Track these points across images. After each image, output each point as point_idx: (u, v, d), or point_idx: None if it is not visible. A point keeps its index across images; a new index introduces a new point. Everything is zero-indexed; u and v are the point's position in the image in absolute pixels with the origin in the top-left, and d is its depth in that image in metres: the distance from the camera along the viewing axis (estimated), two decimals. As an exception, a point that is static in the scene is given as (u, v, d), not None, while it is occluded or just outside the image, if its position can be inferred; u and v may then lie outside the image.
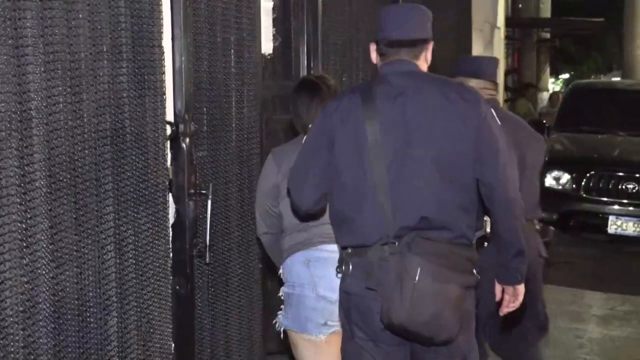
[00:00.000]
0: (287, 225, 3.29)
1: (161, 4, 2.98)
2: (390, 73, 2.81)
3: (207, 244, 3.34)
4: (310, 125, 3.03)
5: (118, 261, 2.74)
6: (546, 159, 8.75)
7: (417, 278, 2.61)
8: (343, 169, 2.77)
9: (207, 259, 3.36)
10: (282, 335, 3.38)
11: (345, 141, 2.76)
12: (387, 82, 2.79)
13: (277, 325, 3.36)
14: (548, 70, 20.98)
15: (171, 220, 3.20)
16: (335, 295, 3.01)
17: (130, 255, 2.82)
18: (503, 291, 2.94)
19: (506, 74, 15.00)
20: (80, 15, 2.47)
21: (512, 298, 2.93)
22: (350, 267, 2.78)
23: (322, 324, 3.24)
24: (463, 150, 2.72)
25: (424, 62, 2.88)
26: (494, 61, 4.09)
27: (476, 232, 2.85)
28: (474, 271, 2.79)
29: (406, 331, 2.68)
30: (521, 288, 2.92)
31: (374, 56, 2.89)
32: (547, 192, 8.41)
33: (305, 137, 3.01)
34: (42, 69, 2.28)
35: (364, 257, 2.74)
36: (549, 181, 8.49)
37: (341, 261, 2.85)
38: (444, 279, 2.66)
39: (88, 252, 2.54)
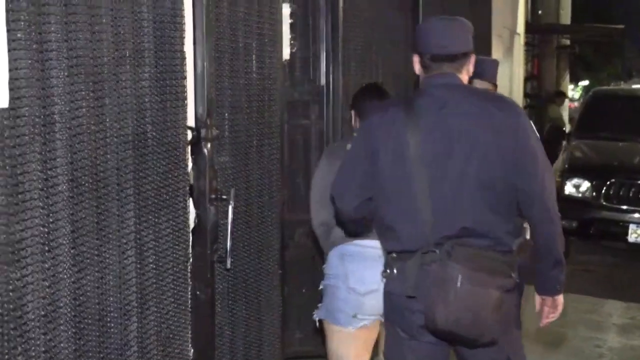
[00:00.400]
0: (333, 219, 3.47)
1: (183, 9, 2.99)
2: (432, 85, 2.91)
3: (228, 249, 3.34)
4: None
5: (138, 266, 2.74)
6: (566, 166, 8.73)
7: (458, 284, 2.72)
8: (386, 179, 2.88)
9: (228, 265, 3.36)
10: (317, 324, 3.63)
11: (389, 152, 2.86)
12: (429, 95, 2.89)
13: (314, 316, 3.62)
14: (568, 77, 20.87)
15: (192, 225, 3.19)
16: (364, 288, 3.36)
17: (151, 260, 2.82)
18: (541, 302, 3.04)
19: (526, 80, 14.94)
20: (104, 20, 2.47)
21: (551, 309, 3.03)
22: (395, 270, 2.91)
23: (352, 316, 3.44)
24: (503, 161, 2.81)
25: (465, 75, 2.97)
26: (495, 63, 4.20)
27: (516, 239, 2.91)
28: (513, 275, 2.86)
29: (451, 334, 2.80)
30: (560, 298, 3.01)
31: (417, 67, 2.98)
32: (567, 200, 8.37)
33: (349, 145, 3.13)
34: (66, 74, 2.28)
35: (405, 263, 2.87)
36: (569, 189, 8.44)
37: (387, 265, 2.97)
38: (483, 284, 2.75)
39: (109, 257, 2.54)
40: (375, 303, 3.39)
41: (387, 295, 2.98)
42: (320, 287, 3.64)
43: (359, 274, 3.41)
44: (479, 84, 3.82)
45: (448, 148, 2.81)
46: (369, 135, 2.92)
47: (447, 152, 2.81)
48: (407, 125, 2.84)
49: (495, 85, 4.10)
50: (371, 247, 3.38)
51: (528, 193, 2.84)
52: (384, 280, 2.98)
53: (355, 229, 3.29)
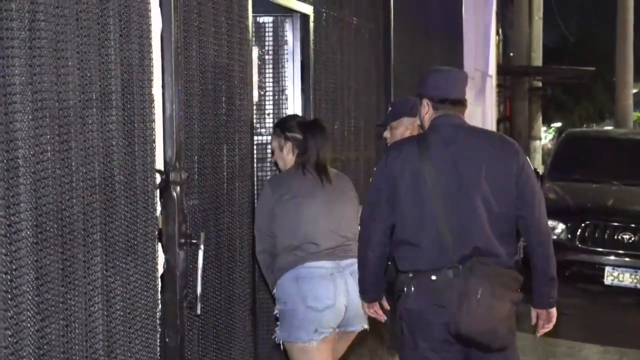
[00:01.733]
0: (278, 247, 3.78)
1: (152, 52, 2.99)
2: (443, 124, 3.43)
3: (198, 295, 3.31)
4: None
5: (106, 313, 2.70)
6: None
7: (479, 296, 3.25)
8: (406, 206, 3.35)
9: (198, 311, 3.32)
10: (281, 347, 3.83)
11: (407, 183, 3.35)
12: (440, 132, 3.41)
13: (275, 339, 3.81)
14: (540, 118, 21.11)
15: (161, 270, 3.16)
16: (321, 305, 3.70)
17: (119, 307, 2.78)
18: (537, 315, 3.52)
19: (498, 122, 15.08)
20: (70, 63, 2.46)
21: (546, 321, 3.54)
22: (412, 288, 3.36)
23: (313, 331, 3.73)
24: (505, 192, 3.36)
25: (464, 117, 3.55)
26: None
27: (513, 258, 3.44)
28: (519, 290, 3.39)
29: (469, 339, 3.29)
30: (554, 311, 3.53)
31: (425, 110, 3.51)
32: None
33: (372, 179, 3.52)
34: (30, 117, 2.26)
35: (429, 279, 3.32)
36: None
37: (401, 284, 3.40)
38: (499, 296, 3.30)
39: (75, 304, 2.50)
40: (332, 317, 3.76)
41: (407, 312, 3.39)
42: (275, 312, 3.84)
43: (314, 293, 3.72)
44: (406, 120, 4.33)
45: (458, 178, 3.32)
46: (388, 170, 3.40)
47: (458, 182, 3.32)
48: (421, 158, 3.35)
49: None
50: (322, 268, 3.76)
51: (527, 221, 3.38)
52: (404, 300, 3.38)
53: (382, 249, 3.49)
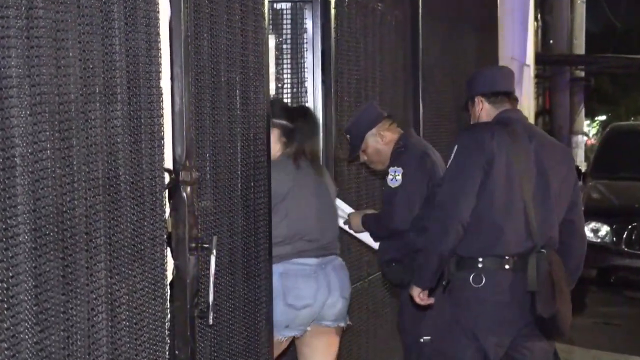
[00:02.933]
0: (273, 238, 3.92)
1: (159, 42, 2.99)
2: (514, 120, 3.81)
3: (210, 303, 3.31)
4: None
5: (110, 324, 2.70)
6: (582, 208, 8.70)
7: (560, 281, 3.68)
8: (498, 188, 3.66)
9: (210, 321, 3.33)
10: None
11: (501, 166, 3.65)
12: (515, 126, 3.77)
13: None
14: (583, 111, 20.98)
15: (170, 277, 3.16)
16: (301, 303, 3.94)
17: (124, 317, 2.78)
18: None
19: (537, 115, 15.01)
20: (71, 54, 2.47)
21: None
22: (484, 278, 3.66)
23: (284, 327, 3.98)
24: (568, 190, 3.84)
25: None
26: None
27: None
28: None
29: (554, 323, 3.68)
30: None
31: (479, 107, 3.87)
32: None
33: (454, 157, 3.75)
34: (28, 112, 2.26)
35: (510, 262, 3.67)
36: (586, 233, 8.41)
37: (474, 273, 3.69)
38: (568, 283, 3.79)
39: (77, 314, 2.50)
40: (307, 316, 4.03)
41: (479, 303, 3.68)
42: None
43: (296, 291, 3.95)
44: (371, 138, 4.48)
45: (540, 171, 3.72)
46: (486, 148, 3.65)
47: (542, 175, 3.72)
48: (512, 145, 3.68)
49: (390, 116, 4.59)
50: (308, 265, 4.01)
51: (575, 225, 3.88)
52: (469, 290, 3.69)
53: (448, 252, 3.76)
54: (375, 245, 4.51)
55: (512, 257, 3.65)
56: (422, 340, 4.27)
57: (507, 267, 3.65)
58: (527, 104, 12.75)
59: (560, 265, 3.72)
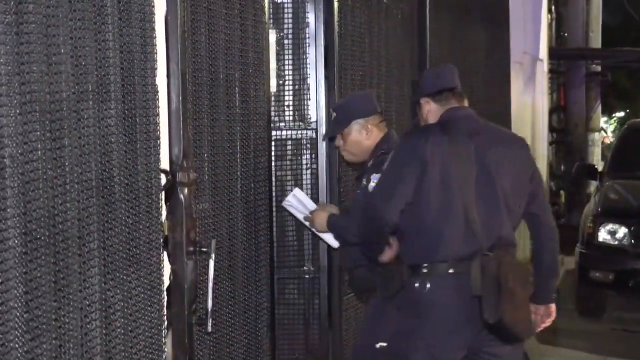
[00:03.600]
0: None
1: (155, 37, 2.99)
2: (459, 117, 3.86)
3: (209, 310, 3.32)
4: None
5: (104, 331, 2.70)
6: (599, 209, 8.70)
7: (510, 283, 3.66)
8: (434, 193, 3.69)
9: (209, 328, 3.33)
10: None
11: (436, 170, 3.68)
12: (458, 124, 3.82)
13: None
14: (599, 108, 20.94)
15: (166, 282, 3.17)
16: None
17: (119, 324, 2.79)
18: (535, 311, 3.95)
19: (551, 112, 14.99)
20: (62, 50, 2.47)
21: (546, 316, 4.01)
22: (428, 284, 3.69)
23: None
24: (521, 187, 3.83)
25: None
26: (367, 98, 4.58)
27: None
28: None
29: (506, 329, 3.66)
30: (554, 306, 4.03)
31: (426, 108, 3.93)
32: (601, 248, 8.33)
33: (389, 162, 3.83)
34: (18, 112, 2.27)
35: (451, 269, 3.69)
36: (603, 235, 8.41)
37: (419, 279, 3.71)
38: (524, 286, 3.79)
39: (69, 322, 2.50)
40: None
41: (424, 308, 3.71)
42: None
43: None
44: (357, 125, 4.33)
45: (483, 170, 3.74)
46: (417, 152, 3.71)
47: (484, 173, 3.74)
48: (448, 147, 3.73)
49: (381, 114, 4.46)
50: None
51: (540, 218, 3.90)
52: (414, 295, 3.72)
53: (379, 246, 3.95)
54: (336, 244, 4.38)
55: (455, 261, 3.68)
56: (377, 346, 4.21)
57: (451, 271, 3.68)
58: (541, 100, 12.73)
59: (513, 267, 3.74)
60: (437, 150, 3.71)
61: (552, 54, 14.75)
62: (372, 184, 4.07)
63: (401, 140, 3.99)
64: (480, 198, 3.73)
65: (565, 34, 19.97)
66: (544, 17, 13.21)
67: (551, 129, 15.26)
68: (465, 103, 3.96)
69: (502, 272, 3.65)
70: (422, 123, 3.97)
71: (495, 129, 4.01)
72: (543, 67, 13.02)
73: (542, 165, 12.61)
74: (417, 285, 3.71)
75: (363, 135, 4.24)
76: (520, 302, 3.72)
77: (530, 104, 11.66)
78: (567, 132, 16.77)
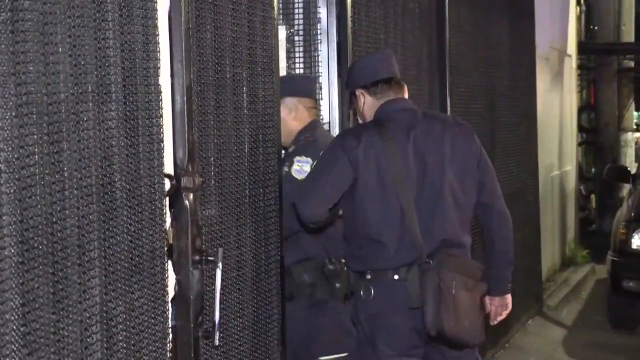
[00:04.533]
0: None
1: (158, 35, 3.01)
2: (395, 110, 3.85)
3: (216, 322, 3.32)
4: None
5: (106, 345, 2.72)
6: (632, 214, 8.66)
7: (453, 291, 3.66)
8: (369, 200, 3.73)
9: (216, 341, 3.34)
10: None
11: (370, 174, 3.72)
12: (394, 119, 3.82)
13: None
14: (632, 105, 20.84)
15: (171, 293, 3.18)
16: None
17: (121, 338, 2.80)
18: (491, 302, 3.99)
19: (580, 110, 14.95)
20: (60, 49, 2.49)
21: (501, 308, 4.02)
22: (372, 290, 3.73)
23: None
24: (468, 177, 3.85)
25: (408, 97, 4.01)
26: (310, 79, 4.61)
27: None
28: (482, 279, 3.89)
29: (449, 338, 3.69)
30: (509, 297, 4.05)
31: (361, 101, 3.91)
32: (634, 255, 8.30)
33: (320, 158, 3.84)
34: (14, 114, 2.28)
35: (392, 278, 3.72)
36: (637, 242, 8.39)
37: (357, 286, 3.79)
38: (471, 288, 3.77)
39: (68, 335, 2.52)
40: None
41: (367, 317, 3.77)
42: None
43: None
44: (289, 101, 4.27)
45: (422, 167, 3.76)
46: (348, 157, 3.73)
47: (423, 171, 3.76)
48: (384, 147, 3.73)
49: (316, 101, 4.47)
50: None
51: (490, 206, 3.92)
52: (361, 303, 3.77)
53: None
54: None
55: (397, 269, 3.72)
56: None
57: (396, 277, 3.72)
58: (569, 98, 12.70)
59: (457, 271, 3.73)
60: (371, 152, 3.73)
61: (581, 48, 14.71)
62: (295, 167, 4.06)
63: (335, 139, 3.99)
64: (421, 199, 3.75)
65: (596, 27, 19.89)
66: (573, 10, 13.18)
67: (580, 128, 15.21)
68: (405, 93, 3.95)
69: (444, 279, 3.67)
70: (359, 115, 4.00)
71: (435, 119, 4.01)
72: (571, 63, 12.99)
73: (571, 168, 12.60)
74: (361, 291, 3.78)
75: (291, 115, 4.23)
76: (465, 309, 3.72)
77: (557, 103, 11.64)
78: (597, 132, 16.70)
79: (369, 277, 3.77)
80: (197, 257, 3.26)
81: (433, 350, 3.82)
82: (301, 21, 4.63)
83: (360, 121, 4.03)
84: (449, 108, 6.01)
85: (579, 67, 15.01)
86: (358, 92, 3.93)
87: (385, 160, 3.73)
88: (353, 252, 3.85)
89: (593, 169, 16.11)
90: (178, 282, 3.23)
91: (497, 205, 3.94)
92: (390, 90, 3.89)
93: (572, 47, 12.94)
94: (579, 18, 15.35)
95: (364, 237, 3.78)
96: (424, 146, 3.78)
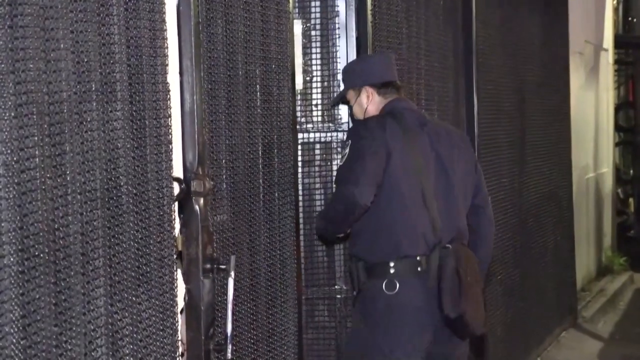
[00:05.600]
0: None
1: (166, 30, 3.01)
2: (405, 108, 4.14)
3: (228, 334, 3.33)
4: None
5: (111, 359, 2.72)
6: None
7: (469, 278, 3.97)
8: (396, 185, 3.96)
9: (229, 355, 3.34)
10: None
11: (397, 160, 3.96)
12: (405, 115, 4.09)
13: None
14: (674, 103, 20.73)
15: (181, 304, 3.18)
16: None
17: (127, 351, 2.80)
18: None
19: (617, 109, 14.88)
20: (62, 45, 2.49)
21: None
22: (398, 279, 3.95)
23: None
24: (469, 179, 4.21)
25: None
26: None
27: None
28: None
29: (465, 324, 3.95)
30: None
31: (369, 98, 4.15)
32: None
33: (351, 147, 3.98)
34: (13, 114, 2.29)
35: (417, 265, 3.96)
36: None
37: (388, 281, 3.95)
38: (478, 279, 4.11)
39: (72, 349, 2.52)
40: None
41: (390, 307, 3.94)
42: None
43: None
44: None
45: (438, 161, 4.09)
46: (382, 140, 3.95)
47: (439, 165, 4.08)
48: (404, 137, 4.00)
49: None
50: None
51: (483, 209, 4.28)
52: (387, 296, 3.95)
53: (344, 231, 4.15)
54: None
55: (422, 257, 3.96)
56: None
57: (419, 269, 3.95)
58: (606, 95, 12.65)
59: (470, 260, 4.04)
60: (396, 139, 3.97)
61: (619, 42, 14.62)
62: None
63: (359, 127, 4.16)
64: (438, 189, 4.06)
65: (634, 20, 19.79)
66: (609, 1, 13.12)
67: (618, 127, 15.12)
68: (403, 95, 4.26)
69: (461, 265, 3.97)
70: (359, 110, 4.18)
71: (438, 122, 4.46)
72: (608, 57, 12.93)
73: (608, 170, 12.54)
74: (384, 285, 3.94)
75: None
76: (477, 296, 4.05)
77: (593, 100, 11.59)
78: (636, 131, 16.59)
79: (392, 270, 3.95)
80: (208, 266, 3.27)
81: (439, 340, 3.99)
82: (318, 15, 4.63)
83: (359, 117, 4.22)
84: (475, 107, 6.00)
85: (616, 62, 14.93)
86: (366, 89, 4.16)
87: (409, 149, 3.99)
88: (375, 241, 4.00)
89: (631, 171, 16.01)
90: (188, 292, 3.24)
91: (488, 210, 4.32)
92: (396, 92, 4.19)
93: (608, 41, 12.88)
94: (616, 9, 15.27)
95: (391, 222, 3.97)
96: (437, 143, 4.10)
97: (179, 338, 3.13)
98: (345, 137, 4.36)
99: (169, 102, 3.03)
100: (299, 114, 4.41)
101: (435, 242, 3.98)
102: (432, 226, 4.00)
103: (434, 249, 3.97)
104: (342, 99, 4.35)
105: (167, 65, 3.02)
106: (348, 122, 4.62)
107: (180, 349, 3.12)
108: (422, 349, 3.96)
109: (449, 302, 3.90)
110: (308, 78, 4.65)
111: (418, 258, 3.95)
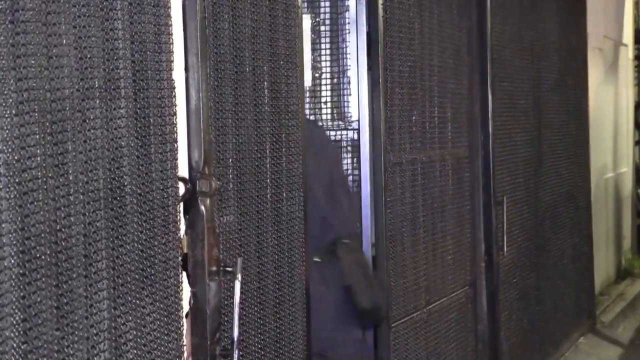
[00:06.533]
0: None
1: (171, 25, 3.02)
2: None
3: (235, 339, 3.33)
4: None
5: (114, 364, 2.73)
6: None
7: (368, 270, 4.44)
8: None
9: (235, 359, 3.35)
10: None
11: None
12: None
13: None
14: (696, 100, 20.68)
15: (186, 308, 3.19)
16: None
17: (131, 356, 2.81)
18: None
19: (637, 106, 14.85)
20: (64, 41, 2.50)
21: None
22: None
23: None
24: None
25: None
26: None
27: None
28: None
29: (378, 313, 4.43)
30: None
31: None
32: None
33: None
34: (14, 112, 2.30)
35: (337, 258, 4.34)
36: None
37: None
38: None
39: (74, 353, 2.53)
40: None
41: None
42: None
43: None
44: None
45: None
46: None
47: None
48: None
49: None
50: None
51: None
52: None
53: None
54: None
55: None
56: None
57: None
58: (625, 92, 12.62)
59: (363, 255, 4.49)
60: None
61: (639, 38, 14.60)
62: None
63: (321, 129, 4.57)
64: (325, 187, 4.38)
65: (654, 15, 19.73)
66: (628, -5, 13.09)
67: (638, 125, 15.09)
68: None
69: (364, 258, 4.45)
70: None
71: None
72: (628, 53, 12.90)
73: (627, 169, 12.51)
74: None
75: None
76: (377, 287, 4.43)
77: (612, 97, 11.57)
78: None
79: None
80: (214, 268, 3.27)
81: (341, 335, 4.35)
82: (327, 9, 4.64)
83: None
84: (490, 104, 6.00)
85: (637, 57, 14.89)
86: None
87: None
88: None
89: (652, 171, 15.96)
90: (193, 295, 3.24)
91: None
92: None
93: (628, 36, 12.85)
94: (636, 4, 15.22)
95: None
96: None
97: (184, 343, 3.13)
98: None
99: (174, 99, 3.03)
100: (308, 112, 4.41)
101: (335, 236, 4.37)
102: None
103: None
104: None
105: (173, 61, 3.02)
106: (359, 121, 4.63)
107: (185, 354, 3.13)
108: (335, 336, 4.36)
109: (359, 292, 4.26)
110: (317, 75, 4.66)
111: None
